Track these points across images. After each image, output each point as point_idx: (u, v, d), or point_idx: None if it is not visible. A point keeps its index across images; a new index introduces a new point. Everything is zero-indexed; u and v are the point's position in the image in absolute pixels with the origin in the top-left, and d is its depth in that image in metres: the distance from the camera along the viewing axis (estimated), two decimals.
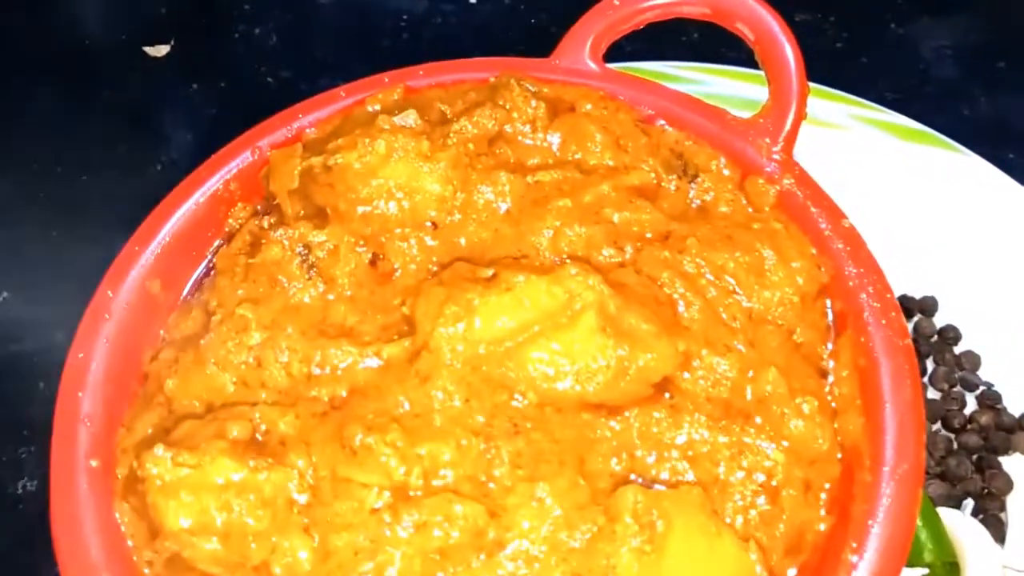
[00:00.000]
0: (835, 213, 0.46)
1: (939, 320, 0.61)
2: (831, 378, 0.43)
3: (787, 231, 0.46)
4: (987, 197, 0.63)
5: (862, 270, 0.44)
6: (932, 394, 0.58)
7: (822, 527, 0.40)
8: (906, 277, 0.62)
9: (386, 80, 0.53)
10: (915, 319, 0.60)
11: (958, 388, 0.57)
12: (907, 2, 0.84)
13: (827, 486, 0.40)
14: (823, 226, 0.46)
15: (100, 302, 0.46)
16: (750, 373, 0.41)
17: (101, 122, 0.79)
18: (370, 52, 0.81)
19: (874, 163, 0.66)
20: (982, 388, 0.57)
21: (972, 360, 0.58)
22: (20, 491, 0.61)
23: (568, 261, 0.42)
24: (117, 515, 0.40)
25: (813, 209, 0.46)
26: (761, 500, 0.40)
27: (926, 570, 0.49)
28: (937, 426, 0.56)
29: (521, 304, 0.41)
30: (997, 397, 0.57)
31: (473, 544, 0.36)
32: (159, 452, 0.37)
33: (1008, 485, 0.53)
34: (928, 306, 0.60)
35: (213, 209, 0.50)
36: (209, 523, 0.37)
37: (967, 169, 0.64)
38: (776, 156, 0.48)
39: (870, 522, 0.37)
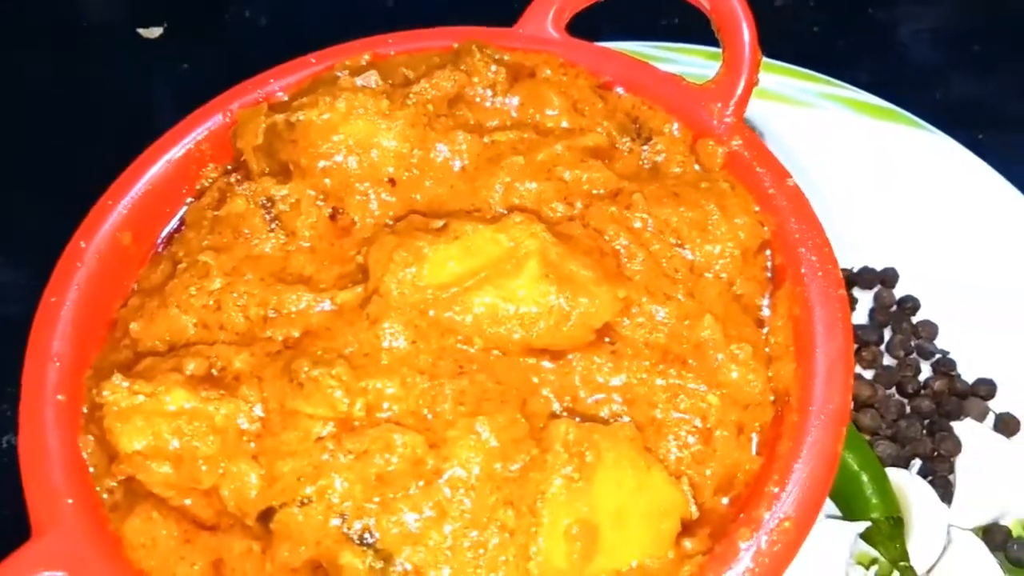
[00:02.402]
0: (780, 173, 0.48)
1: (899, 291, 0.62)
2: (767, 328, 0.44)
3: (733, 190, 0.48)
4: (950, 174, 0.64)
5: (803, 226, 0.46)
6: (888, 361, 0.59)
7: (752, 467, 0.41)
8: (869, 249, 0.63)
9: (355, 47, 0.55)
10: (875, 290, 0.62)
11: (914, 356, 0.59)
12: None
13: (758, 428, 0.42)
14: (767, 185, 0.47)
15: (73, 251, 0.48)
16: (687, 322, 0.43)
17: (94, 100, 0.81)
18: (361, 33, 0.83)
19: (842, 140, 0.67)
20: (938, 356, 0.58)
21: (929, 329, 0.59)
22: (5, 446, 0.63)
23: (515, 212, 0.44)
24: (80, 445, 0.42)
25: (759, 169, 0.48)
26: (695, 441, 0.41)
27: (868, 523, 0.50)
28: (892, 391, 0.57)
29: (468, 252, 0.43)
30: (952, 364, 0.58)
31: (412, 472, 0.38)
32: (116, 380, 0.39)
33: (957, 447, 0.54)
34: (888, 277, 0.62)
35: (185, 168, 0.52)
36: (162, 447, 0.38)
37: (932, 146, 0.66)
38: (727, 119, 0.50)
39: (794, 458, 0.39)
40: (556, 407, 0.41)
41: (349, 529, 0.37)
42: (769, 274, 0.46)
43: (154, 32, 0.85)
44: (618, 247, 0.45)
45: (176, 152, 0.52)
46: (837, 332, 0.42)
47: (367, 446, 0.38)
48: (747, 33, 0.51)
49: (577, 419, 0.40)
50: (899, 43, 0.81)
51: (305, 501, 0.37)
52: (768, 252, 0.46)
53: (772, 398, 0.42)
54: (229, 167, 0.52)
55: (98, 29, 0.86)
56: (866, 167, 0.66)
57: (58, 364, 0.44)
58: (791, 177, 0.48)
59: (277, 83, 0.54)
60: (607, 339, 0.43)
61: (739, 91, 0.50)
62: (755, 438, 0.42)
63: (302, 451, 0.38)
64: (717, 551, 0.37)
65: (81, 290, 0.47)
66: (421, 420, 0.40)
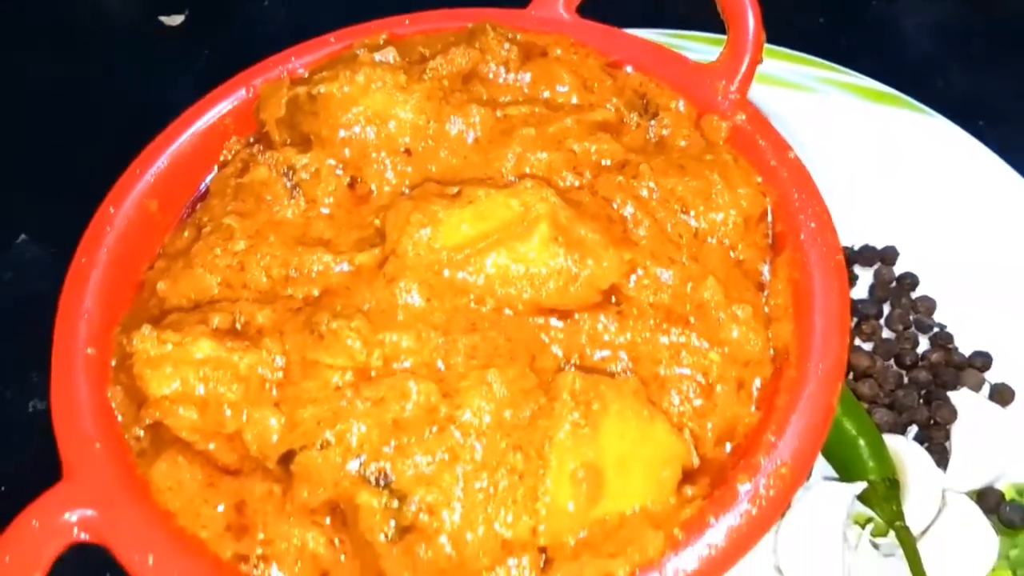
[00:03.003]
0: (782, 146, 0.50)
1: (899, 269, 0.63)
2: (767, 291, 0.46)
3: (736, 162, 0.50)
4: (950, 156, 0.66)
5: (803, 196, 0.47)
6: (888, 335, 0.60)
7: (752, 420, 0.43)
8: (869, 228, 0.65)
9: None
10: (875, 267, 0.63)
11: (912, 330, 0.60)
12: None
13: (758, 384, 0.44)
14: (769, 157, 0.49)
15: (103, 216, 0.50)
16: (690, 285, 0.45)
17: (118, 86, 0.84)
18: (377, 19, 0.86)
19: (842, 123, 0.69)
20: (935, 330, 0.60)
21: (927, 304, 0.61)
22: (31, 410, 0.65)
23: (526, 178, 0.46)
24: (109, 396, 0.44)
25: (761, 142, 0.50)
26: (696, 395, 0.43)
27: (865, 484, 0.52)
28: (890, 363, 0.59)
29: (481, 215, 0.45)
30: (949, 338, 0.59)
31: (426, 418, 0.40)
32: (146, 331, 0.41)
33: (953, 415, 0.55)
34: (888, 255, 0.63)
35: (209, 140, 0.54)
36: (188, 393, 0.41)
37: (932, 130, 0.67)
38: (731, 96, 0.52)
39: (791, 410, 0.41)
40: (564, 363, 0.43)
41: (366, 471, 0.39)
42: (770, 241, 0.48)
43: (176, 20, 0.87)
44: (625, 214, 0.47)
45: (201, 125, 0.54)
46: (834, 295, 0.44)
47: (383, 394, 0.40)
48: (751, 13, 0.53)
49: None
50: (903, 36, 0.83)
51: (324, 444, 0.39)
52: (769, 220, 0.48)
53: (772, 356, 0.44)
54: (252, 139, 0.54)
55: (121, 17, 0.89)
56: (867, 150, 0.68)
57: (88, 320, 0.46)
58: (792, 150, 0.49)
59: (298, 61, 0.56)
60: (613, 299, 0.45)
61: (743, 69, 0.52)
62: (755, 393, 0.44)
63: (321, 398, 0.40)
64: (716, 495, 0.39)
65: (110, 252, 0.49)
66: (435, 372, 0.42)
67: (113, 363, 0.45)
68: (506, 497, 0.39)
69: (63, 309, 0.46)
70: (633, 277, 0.45)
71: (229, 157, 0.54)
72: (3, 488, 0.62)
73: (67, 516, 0.40)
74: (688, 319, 0.44)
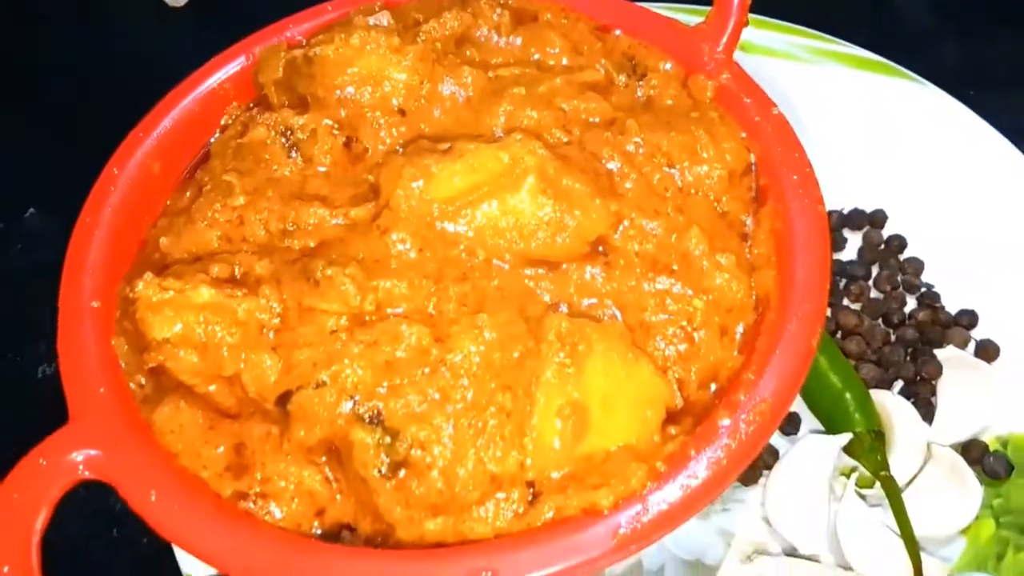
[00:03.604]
0: (766, 103, 0.51)
1: (888, 232, 0.64)
2: (750, 241, 0.48)
3: (721, 119, 0.51)
4: (939, 123, 0.67)
5: (786, 149, 0.49)
6: (876, 295, 0.62)
7: (734, 364, 0.44)
8: (859, 193, 0.66)
9: None
10: (864, 230, 0.64)
11: (900, 290, 0.61)
12: None
13: (741, 330, 0.45)
14: (753, 114, 0.50)
15: (107, 177, 0.51)
16: (675, 235, 0.46)
17: (122, 64, 0.85)
18: None
19: (833, 92, 0.70)
20: (923, 290, 0.61)
21: (915, 266, 0.62)
22: (40, 376, 0.67)
23: (515, 132, 0.47)
24: (114, 344, 0.46)
25: (746, 100, 0.51)
26: (680, 340, 0.44)
27: (851, 435, 0.53)
28: (878, 322, 0.60)
29: (471, 168, 0.46)
30: (936, 297, 0.60)
31: (418, 360, 0.41)
32: (148, 277, 0.43)
33: (938, 371, 0.56)
34: (877, 218, 0.64)
35: (210, 105, 0.55)
36: (189, 336, 0.42)
37: (921, 97, 0.68)
38: (717, 56, 0.53)
39: (771, 351, 0.42)
40: (552, 311, 0.44)
41: (360, 410, 0.40)
42: (753, 194, 0.49)
43: (179, 1, 0.89)
44: (611, 168, 0.48)
45: (202, 90, 0.55)
46: (815, 242, 0.45)
47: (377, 337, 0.41)
48: None
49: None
50: (893, 7, 0.84)
51: (319, 384, 0.41)
52: (753, 174, 0.49)
53: (754, 303, 0.45)
54: (251, 104, 0.56)
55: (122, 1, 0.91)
56: (857, 117, 0.69)
57: (92, 274, 0.48)
58: (776, 106, 0.51)
59: (296, 29, 0.58)
60: (600, 249, 0.46)
61: (729, 30, 0.53)
62: (738, 339, 0.45)
63: (317, 342, 0.42)
64: (698, 431, 0.40)
65: (114, 212, 0.50)
66: (427, 317, 0.43)
67: (117, 315, 0.47)
68: (495, 434, 0.40)
69: (69, 264, 0.48)
70: (620, 228, 0.46)
71: (229, 122, 0.55)
72: (14, 450, 0.63)
73: (73, 455, 0.41)
74: (673, 268, 0.46)
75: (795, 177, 0.48)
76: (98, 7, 0.91)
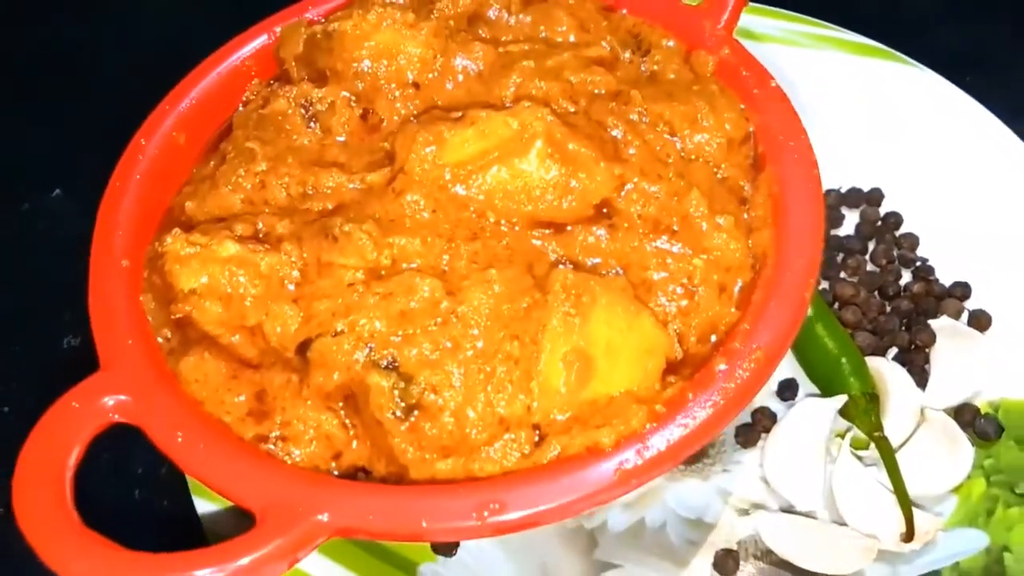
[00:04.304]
0: (764, 76, 0.53)
1: (885, 210, 0.66)
2: (748, 205, 0.50)
3: (722, 91, 0.53)
4: (934, 104, 0.69)
5: (782, 118, 0.51)
6: (872, 268, 0.64)
7: (731, 319, 0.46)
8: (857, 173, 0.68)
9: None
10: (861, 208, 0.66)
11: (895, 264, 0.63)
12: None
13: (739, 287, 0.47)
14: (752, 86, 0.53)
15: (135, 147, 0.54)
16: (676, 198, 0.48)
17: (148, 49, 0.88)
18: None
19: (831, 76, 0.72)
20: (918, 263, 0.63)
21: (911, 241, 0.64)
22: (66, 346, 0.69)
23: (524, 100, 0.50)
24: (142, 301, 0.48)
25: (745, 73, 0.53)
26: (681, 296, 0.47)
27: (846, 397, 0.55)
28: (874, 294, 0.62)
29: (482, 134, 0.48)
30: (930, 270, 0.62)
31: (430, 311, 0.43)
32: (176, 232, 0.45)
33: (932, 338, 0.58)
34: (874, 196, 0.66)
35: (233, 80, 0.58)
36: (214, 287, 0.44)
37: (917, 80, 0.70)
38: (718, 33, 0.55)
39: (766, 303, 0.44)
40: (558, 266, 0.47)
41: (376, 357, 0.43)
42: (751, 161, 0.51)
43: None
44: (616, 135, 0.50)
45: (225, 67, 0.58)
46: (808, 203, 0.47)
47: (392, 289, 0.44)
48: None
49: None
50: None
51: (337, 333, 0.43)
52: (751, 143, 0.52)
53: (752, 262, 0.48)
54: (272, 80, 0.59)
55: None
56: (855, 100, 0.71)
57: (122, 236, 0.50)
58: (774, 79, 0.53)
59: (315, 10, 0.60)
60: (605, 212, 0.48)
61: (729, 8, 0.56)
62: (735, 295, 0.47)
63: (335, 294, 0.44)
64: (696, 377, 0.43)
65: (141, 179, 0.53)
66: (440, 273, 0.45)
67: (145, 274, 0.49)
68: (503, 379, 0.42)
69: (100, 225, 0.50)
70: (623, 191, 0.48)
71: (251, 96, 0.58)
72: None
73: (104, 400, 0.44)
74: (673, 229, 0.48)
75: (791, 144, 0.50)
76: None
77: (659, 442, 0.40)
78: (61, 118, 0.84)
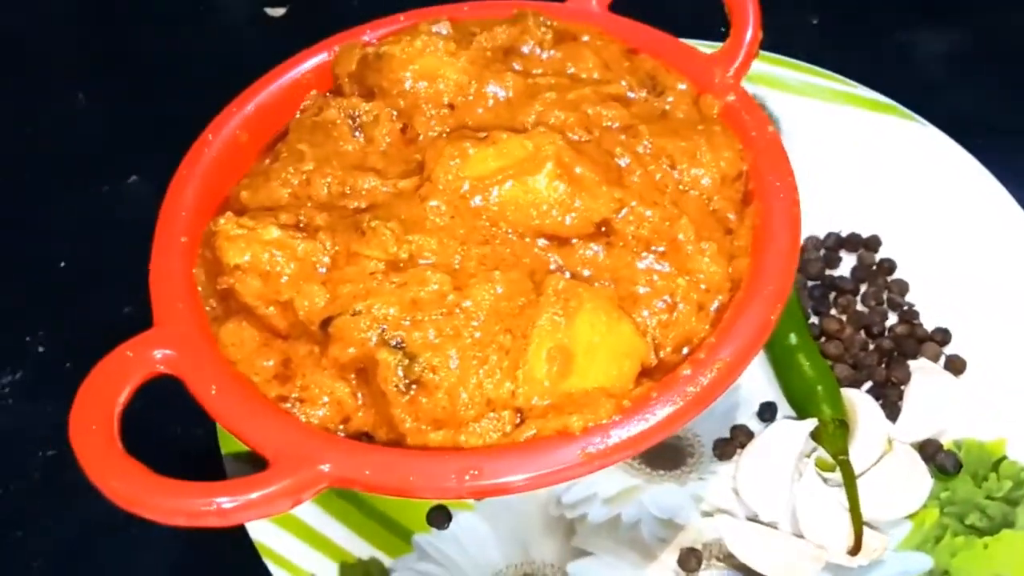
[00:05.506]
0: (763, 121, 0.59)
1: (881, 255, 0.71)
2: (733, 235, 0.55)
3: (723, 132, 0.59)
4: (937, 161, 0.73)
5: (773, 159, 0.56)
6: (861, 308, 0.68)
7: (705, 335, 0.52)
8: (857, 218, 0.73)
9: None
10: (859, 252, 0.71)
11: (884, 306, 0.68)
12: (903, 9, 0.94)
13: (715, 307, 0.52)
14: (751, 129, 0.58)
15: (202, 141, 0.62)
16: (667, 223, 0.54)
17: (223, 62, 0.97)
18: None
19: (843, 127, 0.77)
20: (904, 307, 0.67)
21: (900, 286, 0.68)
22: (125, 311, 0.78)
23: (540, 125, 0.56)
24: (194, 272, 0.55)
25: (746, 117, 0.59)
26: (662, 312, 0.52)
27: (816, 421, 0.59)
28: (860, 332, 0.67)
29: (501, 153, 0.55)
30: (915, 314, 0.67)
31: (438, 303, 0.50)
32: (228, 215, 0.53)
33: (907, 376, 0.63)
34: (872, 242, 0.71)
35: (292, 91, 0.65)
36: (256, 264, 0.51)
37: (922, 136, 0.74)
38: (727, 80, 0.61)
39: (734, 321, 0.49)
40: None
41: (386, 336, 0.49)
42: (741, 196, 0.57)
43: (279, 11, 1.00)
44: (622, 164, 0.56)
45: (287, 78, 0.66)
46: (785, 235, 0.53)
47: (407, 279, 0.50)
48: (751, 15, 0.63)
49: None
50: (908, 58, 0.90)
51: (356, 313, 0.50)
52: (743, 180, 0.57)
53: (730, 287, 0.53)
54: (327, 93, 0.66)
55: (225, 7, 1.03)
56: (860, 151, 0.76)
57: (184, 216, 0.58)
58: (772, 125, 0.58)
59: (372, 34, 0.68)
60: (603, 230, 0.54)
61: (739, 59, 0.62)
62: (711, 315, 0.52)
63: (358, 280, 0.51)
64: (663, 380, 0.48)
65: (206, 168, 0.60)
66: (451, 270, 0.51)
67: (200, 250, 0.57)
68: (494, 366, 0.48)
69: (166, 206, 0.58)
70: (622, 213, 0.54)
71: (308, 105, 0.66)
72: None
73: (154, 352, 0.51)
74: (663, 250, 0.54)
75: (778, 183, 0.55)
76: (209, 15, 1.03)
77: (621, 432, 0.46)
78: (143, 115, 0.93)
